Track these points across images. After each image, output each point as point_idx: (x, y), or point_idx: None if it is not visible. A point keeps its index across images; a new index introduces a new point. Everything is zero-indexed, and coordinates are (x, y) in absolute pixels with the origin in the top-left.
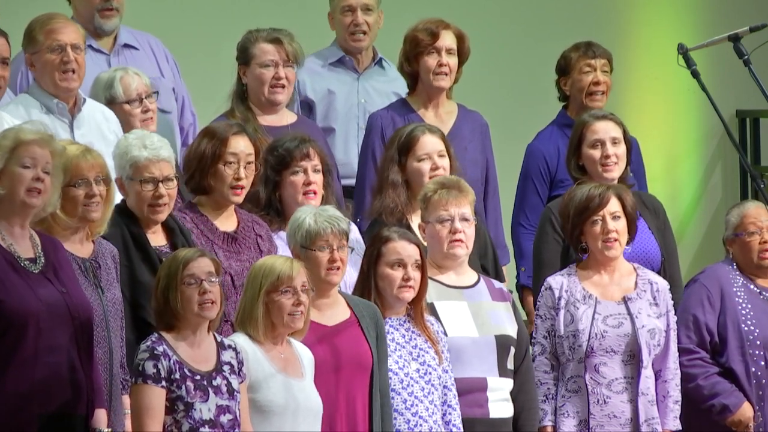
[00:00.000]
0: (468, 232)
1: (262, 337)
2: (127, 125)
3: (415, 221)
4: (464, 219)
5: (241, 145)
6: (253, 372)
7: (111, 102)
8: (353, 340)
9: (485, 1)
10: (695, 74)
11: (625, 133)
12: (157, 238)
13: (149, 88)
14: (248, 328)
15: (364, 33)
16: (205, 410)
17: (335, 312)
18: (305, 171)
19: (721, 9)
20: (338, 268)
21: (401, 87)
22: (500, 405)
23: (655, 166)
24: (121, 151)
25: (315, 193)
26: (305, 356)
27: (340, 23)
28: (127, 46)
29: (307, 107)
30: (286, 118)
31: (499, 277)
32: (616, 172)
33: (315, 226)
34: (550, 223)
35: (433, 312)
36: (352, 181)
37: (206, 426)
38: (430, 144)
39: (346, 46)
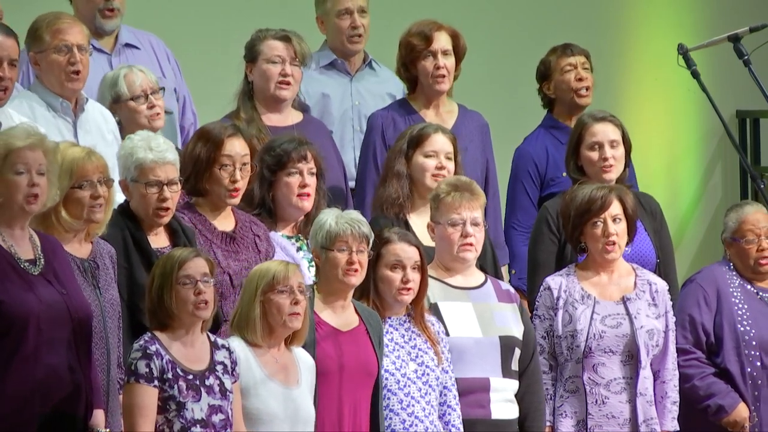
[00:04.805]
0: (478, 236)
1: (260, 340)
2: (133, 123)
3: (413, 218)
4: (475, 223)
5: (236, 148)
6: (244, 378)
7: (116, 100)
8: (362, 348)
9: (485, 3)
10: (695, 74)
11: (624, 134)
12: (159, 240)
13: (155, 85)
14: (244, 331)
15: (361, 35)
16: (197, 410)
17: (347, 317)
18: (301, 173)
19: (721, 9)
20: (356, 271)
21: (394, 87)
22: (503, 406)
23: (655, 167)
24: (126, 152)
25: (309, 195)
26: (305, 363)
27: (335, 27)
28: (128, 45)
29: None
30: (291, 117)
31: (498, 278)
32: (614, 173)
33: (335, 227)
34: (546, 223)
35: (437, 313)
36: (350, 183)
37: (198, 425)
38: (440, 143)
39: (342, 49)
